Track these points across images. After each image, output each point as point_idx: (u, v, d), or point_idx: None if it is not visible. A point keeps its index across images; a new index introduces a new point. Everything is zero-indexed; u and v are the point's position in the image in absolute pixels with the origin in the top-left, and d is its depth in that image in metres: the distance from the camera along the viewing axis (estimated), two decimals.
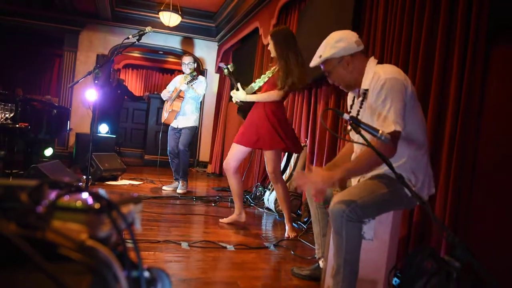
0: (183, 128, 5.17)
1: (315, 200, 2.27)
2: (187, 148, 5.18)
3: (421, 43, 2.57)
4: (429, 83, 2.49)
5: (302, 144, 4.29)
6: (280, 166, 3.44)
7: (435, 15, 2.52)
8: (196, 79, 5.03)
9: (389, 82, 1.84)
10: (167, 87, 5.33)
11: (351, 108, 2.15)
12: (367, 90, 1.95)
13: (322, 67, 2.08)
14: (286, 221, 3.41)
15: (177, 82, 5.26)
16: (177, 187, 5.21)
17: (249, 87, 3.44)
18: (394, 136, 1.76)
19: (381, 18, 3.09)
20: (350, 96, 2.21)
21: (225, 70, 3.58)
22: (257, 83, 3.40)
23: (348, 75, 2.01)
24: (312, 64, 2.08)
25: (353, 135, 1.94)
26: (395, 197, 1.90)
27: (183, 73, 5.26)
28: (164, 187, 5.26)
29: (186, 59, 5.22)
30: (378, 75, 1.89)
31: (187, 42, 8.83)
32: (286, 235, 3.35)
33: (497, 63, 2.18)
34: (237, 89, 3.40)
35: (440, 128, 2.39)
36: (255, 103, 3.39)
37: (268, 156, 3.35)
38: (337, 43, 1.99)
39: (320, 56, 2.03)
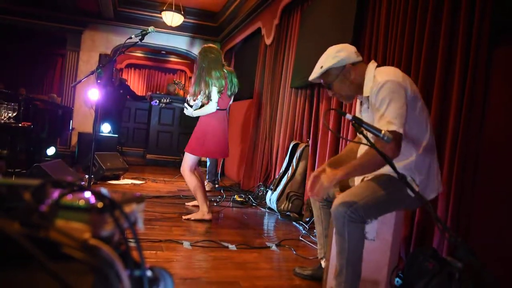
0: None
1: (310, 196, 2.23)
2: None
3: (424, 45, 2.57)
4: (431, 85, 2.49)
5: (304, 144, 4.30)
6: (189, 165, 3.67)
7: (437, 17, 2.51)
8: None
9: (387, 84, 1.83)
10: None
11: (360, 112, 2.14)
12: (369, 96, 1.95)
13: (322, 81, 2.06)
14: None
15: None
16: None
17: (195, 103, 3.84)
18: (393, 136, 1.72)
19: (383, 20, 3.09)
20: (358, 101, 2.20)
21: (161, 104, 4.16)
22: (199, 99, 3.72)
23: (350, 86, 2.00)
24: (312, 77, 2.05)
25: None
26: (397, 197, 1.89)
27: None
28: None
29: None
30: (376, 79, 1.90)
31: (190, 42, 8.84)
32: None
33: (499, 64, 2.18)
34: (186, 108, 3.80)
35: (443, 129, 2.39)
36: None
37: (186, 154, 3.69)
38: (338, 53, 2.00)
39: (322, 67, 2.01)
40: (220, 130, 3.72)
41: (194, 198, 4.12)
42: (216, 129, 3.69)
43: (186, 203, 4.29)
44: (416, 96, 1.92)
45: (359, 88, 2.00)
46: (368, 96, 1.95)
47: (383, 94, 1.82)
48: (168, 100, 4.20)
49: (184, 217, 3.64)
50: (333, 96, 2.11)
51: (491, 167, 2.16)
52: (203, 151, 3.72)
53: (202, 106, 3.73)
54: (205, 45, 3.86)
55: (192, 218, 3.59)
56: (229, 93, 3.77)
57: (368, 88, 1.94)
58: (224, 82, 3.66)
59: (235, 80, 3.85)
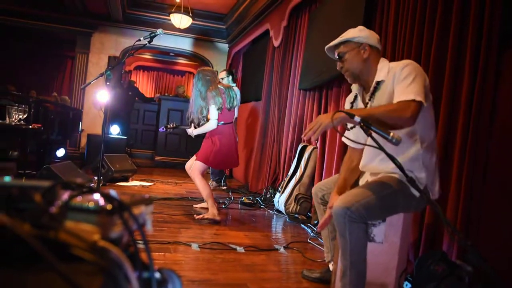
0: None
1: (320, 227, 2.25)
2: None
3: (433, 47, 2.55)
4: (440, 87, 2.47)
5: (312, 147, 4.29)
6: (199, 171, 3.84)
7: (447, 18, 2.49)
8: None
9: (412, 64, 1.87)
10: None
11: (351, 107, 2.16)
12: (380, 82, 1.96)
13: (336, 53, 2.09)
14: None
15: None
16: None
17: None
18: (414, 106, 1.72)
19: (392, 22, 3.07)
20: (349, 98, 2.22)
21: (169, 130, 4.45)
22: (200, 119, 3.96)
23: (361, 63, 2.02)
24: (332, 43, 2.10)
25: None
26: (401, 198, 1.88)
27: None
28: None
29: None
30: (397, 64, 1.92)
31: (198, 44, 8.88)
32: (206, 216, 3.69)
33: (509, 67, 2.15)
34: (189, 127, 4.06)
35: (452, 129, 2.37)
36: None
37: (196, 161, 3.88)
38: (361, 31, 2.05)
39: (342, 37, 2.06)
40: (226, 144, 3.90)
41: (202, 200, 4.15)
42: (223, 143, 3.88)
43: (194, 205, 4.31)
44: (429, 90, 1.93)
45: (366, 73, 2.03)
46: (380, 81, 1.97)
47: (409, 70, 1.83)
48: (174, 125, 4.51)
49: (196, 217, 3.70)
50: (340, 70, 2.11)
51: (501, 169, 2.14)
52: (212, 163, 3.97)
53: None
54: (199, 69, 4.02)
55: (206, 217, 3.66)
56: (228, 106, 3.92)
57: (382, 73, 1.97)
58: (221, 99, 3.82)
59: (233, 93, 4.01)
